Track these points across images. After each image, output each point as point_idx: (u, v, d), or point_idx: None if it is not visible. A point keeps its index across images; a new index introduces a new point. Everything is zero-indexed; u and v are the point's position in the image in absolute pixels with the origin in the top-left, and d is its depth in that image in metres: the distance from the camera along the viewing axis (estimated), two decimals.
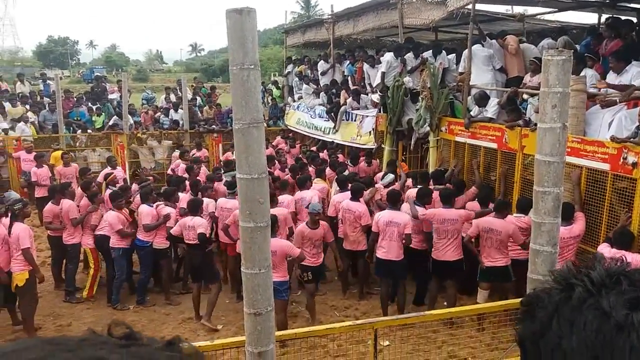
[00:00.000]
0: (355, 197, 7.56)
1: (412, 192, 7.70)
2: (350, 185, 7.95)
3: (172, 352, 0.62)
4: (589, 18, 10.72)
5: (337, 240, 7.66)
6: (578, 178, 6.29)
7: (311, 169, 9.88)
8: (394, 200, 6.96)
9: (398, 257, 6.83)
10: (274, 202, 7.48)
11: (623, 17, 8.33)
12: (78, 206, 7.98)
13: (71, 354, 0.55)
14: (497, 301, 5.66)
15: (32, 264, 6.58)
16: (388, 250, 6.81)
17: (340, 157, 10.80)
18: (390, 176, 8.45)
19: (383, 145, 10.25)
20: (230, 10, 2.73)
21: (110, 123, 14.56)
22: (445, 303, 6.93)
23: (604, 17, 9.68)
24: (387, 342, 5.48)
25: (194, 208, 7.40)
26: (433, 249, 6.86)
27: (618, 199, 5.94)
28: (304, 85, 14.14)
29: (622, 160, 5.75)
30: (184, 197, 8.27)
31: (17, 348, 0.56)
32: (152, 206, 7.84)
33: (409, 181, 8.40)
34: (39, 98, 16.76)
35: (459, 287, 7.00)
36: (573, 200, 6.22)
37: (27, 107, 15.11)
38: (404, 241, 6.75)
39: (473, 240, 6.68)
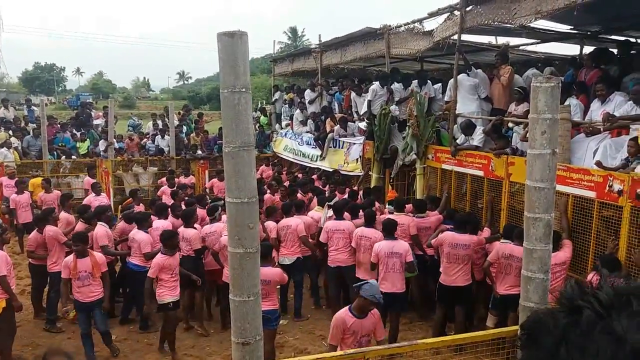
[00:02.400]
0: (369, 223, 7.44)
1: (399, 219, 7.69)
2: (362, 212, 7.86)
3: None
4: (571, 50, 11.00)
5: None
6: (565, 206, 6.30)
7: (300, 195, 9.85)
8: (390, 230, 6.87)
9: (401, 289, 6.75)
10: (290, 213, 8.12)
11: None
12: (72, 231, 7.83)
13: None
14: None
15: (8, 292, 6.36)
16: (391, 282, 6.66)
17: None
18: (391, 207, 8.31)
19: (370, 173, 10.27)
20: (221, 33, 2.72)
21: (102, 148, 14.44)
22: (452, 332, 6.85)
23: (586, 49, 9.94)
24: None
25: (187, 219, 7.82)
26: (442, 274, 6.80)
27: (605, 226, 5.97)
28: (296, 111, 14.15)
29: (607, 188, 5.80)
30: (166, 224, 8.17)
31: None
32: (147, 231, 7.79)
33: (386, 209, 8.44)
34: (23, 124, 16.61)
35: (467, 313, 6.96)
36: (560, 228, 6.22)
37: (10, 132, 14.93)
38: (405, 271, 6.72)
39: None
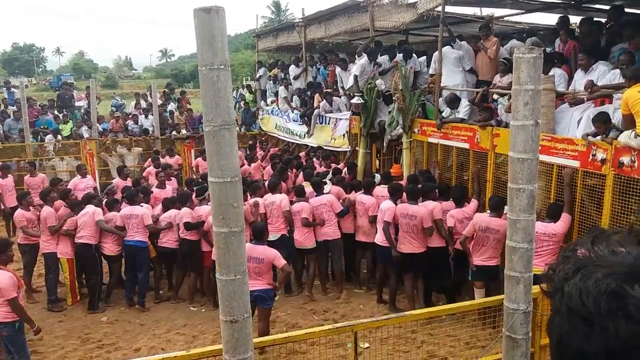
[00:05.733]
0: (367, 191, 8.09)
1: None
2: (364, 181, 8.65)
3: None
4: (555, 19, 10.92)
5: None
6: (570, 178, 6.12)
7: (290, 173, 9.92)
8: (392, 193, 7.41)
9: (378, 240, 7.33)
10: (276, 190, 8.27)
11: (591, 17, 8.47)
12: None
13: None
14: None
15: None
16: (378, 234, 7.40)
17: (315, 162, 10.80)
18: (378, 176, 8.88)
19: (357, 148, 10.25)
20: (198, 9, 2.65)
21: (86, 135, 14.22)
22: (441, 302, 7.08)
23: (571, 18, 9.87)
24: (366, 344, 5.44)
25: (183, 200, 8.10)
26: (400, 244, 7.18)
27: (588, 196, 6.04)
28: (280, 87, 14.00)
29: (591, 157, 5.85)
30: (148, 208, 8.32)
31: None
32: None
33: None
34: (2, 107, 16.29)
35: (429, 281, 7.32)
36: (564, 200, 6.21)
37: None
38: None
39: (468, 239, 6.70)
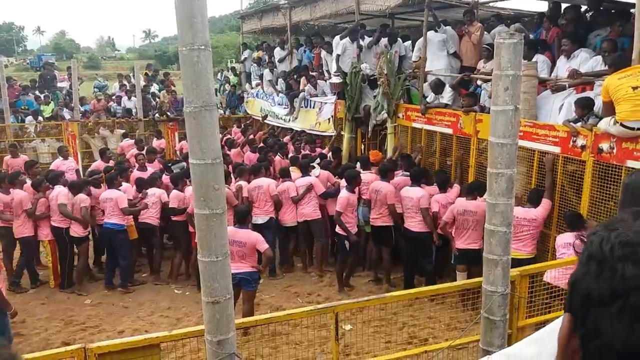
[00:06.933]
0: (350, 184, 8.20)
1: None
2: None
3: None
4: (541, 6, 10.97)
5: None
6: (551, 164, 6.21)
7: (278, 157, 9.91)
8: (349, 181, 7.53)
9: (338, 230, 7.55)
10: (260, 174, 8.25)
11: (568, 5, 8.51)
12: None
13: None
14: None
15: None
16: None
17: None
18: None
19: (342, 133, 10.25)
20: None
21: (68, 117, 13.99)
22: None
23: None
24: (349, 326, 5.52)
25: (175, 182, 8.13)
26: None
27: (569, 181, 6.14)
28: (265, 70, 13.88)
29: (571, 143, 5.94)
30: (128, 188, 8.29)
31: None
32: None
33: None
34: None
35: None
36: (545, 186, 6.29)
37: None
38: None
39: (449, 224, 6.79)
